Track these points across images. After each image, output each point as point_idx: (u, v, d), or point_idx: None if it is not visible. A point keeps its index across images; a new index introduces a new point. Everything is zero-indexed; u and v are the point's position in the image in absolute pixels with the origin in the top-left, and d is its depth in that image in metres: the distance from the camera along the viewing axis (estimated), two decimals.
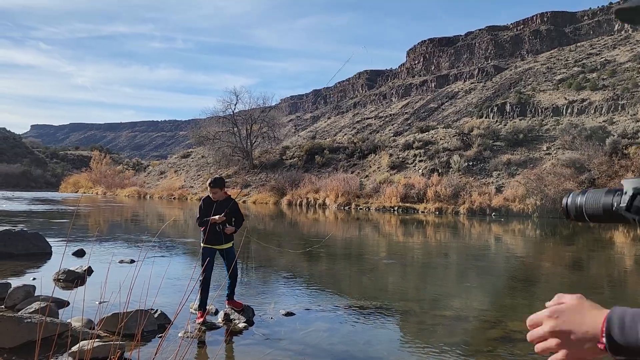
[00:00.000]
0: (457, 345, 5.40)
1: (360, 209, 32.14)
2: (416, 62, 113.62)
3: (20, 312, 5.66)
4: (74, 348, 4.27)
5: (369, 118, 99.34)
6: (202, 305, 5.87)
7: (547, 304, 0.93)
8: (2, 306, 6.33)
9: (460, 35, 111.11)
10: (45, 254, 10.87)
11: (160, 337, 5.16)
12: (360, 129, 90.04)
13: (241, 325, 5.86)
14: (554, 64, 75.35)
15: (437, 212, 29.13)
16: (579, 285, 9.30)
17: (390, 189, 32.39)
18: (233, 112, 51.60)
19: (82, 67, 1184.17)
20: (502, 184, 30.93)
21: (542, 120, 47.20)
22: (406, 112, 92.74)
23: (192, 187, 49.20)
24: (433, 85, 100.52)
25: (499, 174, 32.24)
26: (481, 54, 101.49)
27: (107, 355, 4.17)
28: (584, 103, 48.95)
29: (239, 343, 5.44)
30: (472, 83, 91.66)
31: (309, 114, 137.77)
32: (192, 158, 60.89)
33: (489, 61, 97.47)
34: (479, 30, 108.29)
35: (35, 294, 6.72)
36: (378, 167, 38.99)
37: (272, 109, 54.25)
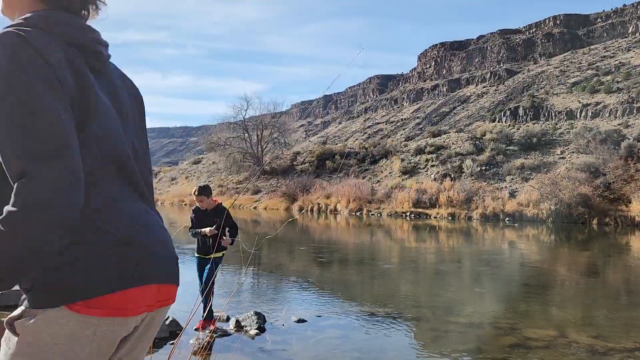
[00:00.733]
0: (471, 352, 5.33)
1: (372, 214, 32.01)
2: (427, 66, 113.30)
3: None
4: None
5: (380, 123, 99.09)
6: (209, 313, 5.89)
7: None
8: None
9: (472, 39, 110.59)
10: None
11: (172, 344, 5.15)
12: (371, 133, 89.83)
13: (253, 332, 5.84)
14: (568, 67, 74.60)
15: (450, 218, 28.92)
16: (595, 291, 9.14)
17: (402, 195, 32.20)
18: (244, 117, 51.85)
19: None
20: (516, 188, 30.61)
21: (556, 124, 46.68)
22: (418, 117, 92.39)
23: None
24: (445, 90, 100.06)
25: (512, 179, 31.92)
26: (493, 57, 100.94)
27: None
28: (599, 106, 48.34)
29: (251, 350, 5.42)
30: (484, 87, 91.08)
31: (319, 119, 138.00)
32: (203, 164, 61.22)
33: (502, 65, 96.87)
34: (491, 33, 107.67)
35: None
36: (390, 172, 38.86)
37: (282, 115, 54.45)
